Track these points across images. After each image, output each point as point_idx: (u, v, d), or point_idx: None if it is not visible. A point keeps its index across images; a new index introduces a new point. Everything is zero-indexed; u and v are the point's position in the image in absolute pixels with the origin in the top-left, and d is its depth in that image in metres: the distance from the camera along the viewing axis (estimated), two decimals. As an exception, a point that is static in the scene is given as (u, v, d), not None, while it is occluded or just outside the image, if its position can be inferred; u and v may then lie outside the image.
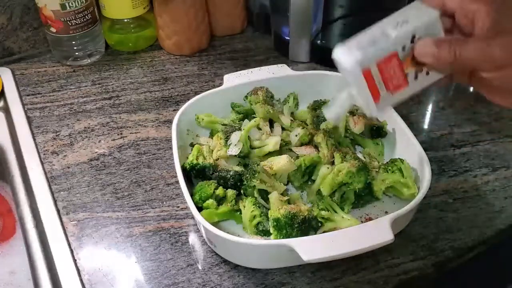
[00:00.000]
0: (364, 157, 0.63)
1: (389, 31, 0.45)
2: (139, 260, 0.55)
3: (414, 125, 0.71)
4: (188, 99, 0.67)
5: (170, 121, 0.72)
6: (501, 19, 0.43)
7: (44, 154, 0.68)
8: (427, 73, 0.48)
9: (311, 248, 0.47)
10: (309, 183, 0.61)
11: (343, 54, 0.45)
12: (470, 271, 0.60)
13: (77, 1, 0.78)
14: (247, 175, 0.56)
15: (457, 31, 0.47)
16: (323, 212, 0.54)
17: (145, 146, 0.69)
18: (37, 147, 0.69)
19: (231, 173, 0.58)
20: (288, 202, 0.56)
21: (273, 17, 0.86)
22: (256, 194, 0.56)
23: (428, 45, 0.45)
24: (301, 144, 0.63)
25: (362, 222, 0.55)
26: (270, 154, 0.61)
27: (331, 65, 0.77)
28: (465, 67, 0.45)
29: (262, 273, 0.53)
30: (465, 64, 0.44)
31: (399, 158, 0.59)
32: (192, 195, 0.55)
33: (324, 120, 0.65)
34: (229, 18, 0.91)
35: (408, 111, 0.74)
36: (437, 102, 0.77)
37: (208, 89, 0.69)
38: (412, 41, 0.45)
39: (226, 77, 0.70)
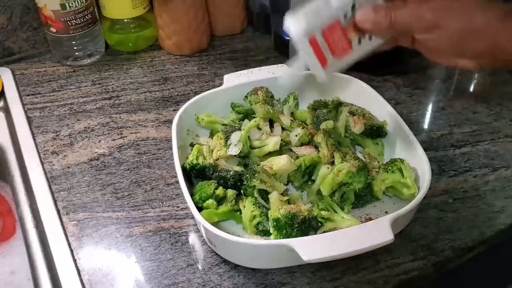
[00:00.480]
0: (364, 157, 0.63)
1: (331, 1, 0.49)
2: (139, 260, 0.55)
3: (414, 125, 0.71)
4: (188, 99, 0.67)
5: (170, 121, 0.72)
6: None
7: (44, 154, 0.68)
8: (370, 38, 0.52)
9: (311, 248, 0.47)
10: (309, 183, 0.61)
11: (290, 24, 0.49)
12: (470, 271, 0.60)
13: (77, 1, 0.78)
14: (247, 175, 0.56)
15: None
16: (323, 212, 0.54)
17: (145, 146, 0.69)
18: (37, 147, 0.69)
19: (231, 173, 0.58)
20: (288, 202, 0.56)
21: (273, 17, 0.86)
22: (256, 194, 0.56)
23: (366, 12, 0.49)
24: (301, 144, 0.63)
25: (362, 222, 0.55)
26: (270, 154, 0.61)
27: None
28: (402, 31, 0.49)
29: (262, 273, 0.53)
30: (400, 27, 0.48)
31: (399, 158, 0.59)
32: (192, 195, 0.55)
33: (324, 120, 0.65)
34: (229, 18, 0.91)
35: (408, 111, 0.74)
36: (437, 102, 0.77)
37: (208, 89, 0.69)
38: (353, 9, 0.49)
39: (226, 77, 0.70)
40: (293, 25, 0.49)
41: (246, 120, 0.64)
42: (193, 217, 0.57)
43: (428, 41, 0.48)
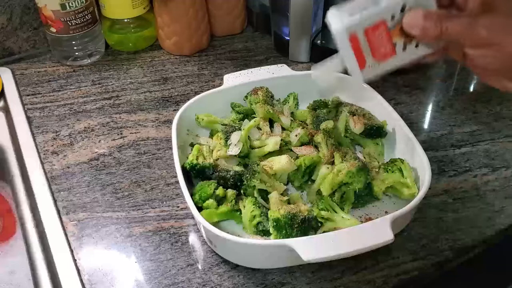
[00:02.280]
0: (364, 157, 0.63)
1: None
2: (139, 260, 0.55)
3: (414, 125, 0.71)
4: (188, 99, 0.67)
5: (170, 121, 0.72)
6: None
7: (44, 154, 0.68)
8: (417, 46, 0.48)
9: (311, 248, 0.47)
10: (309, 183, 0.61)
11: (332, 17, 0.45)
12: (470, 271, 0.60)
13: (77, 1, 0.78)
14: (247, 175, 0.56)
15: (454, 7, 0.47)
16: (323, 212, 0.54)
17: (145, 146, 0.69)
18: (37, 147, 0.69)
19: (231, 173, 0.58)
20: (288, 202, 0.56)
21: (273, 17, 0.86)
22: (256, 194, 0.56)
23: (416, 17, 0.45)
24: (301, 144, 0.63)
25: (362, 222, 0.55)
26: (270, 154, 0.61)
27: (331, 65, 0.76)
28: (451, 42, 0.46)
29: (262, 273, 0.53)
30: (450, 39, 0.44)
31: (399, 158, 0.59)
32: (192, 195, 0.55)
33: (324, 120, 0.65)
34: (229, 18, 0.91)
35: (408, 111, 0.74)
36: (437, 102, 0.77)
37: (208, 89, 0.69)
38: (403, 10, 0.45)
39: (226, 77, 0.70)
40: (335, 19, 0.45)
41: (246, 120, 0.64)
42: (193, 217, 0.57)
43: (478, 57, 0.44)
